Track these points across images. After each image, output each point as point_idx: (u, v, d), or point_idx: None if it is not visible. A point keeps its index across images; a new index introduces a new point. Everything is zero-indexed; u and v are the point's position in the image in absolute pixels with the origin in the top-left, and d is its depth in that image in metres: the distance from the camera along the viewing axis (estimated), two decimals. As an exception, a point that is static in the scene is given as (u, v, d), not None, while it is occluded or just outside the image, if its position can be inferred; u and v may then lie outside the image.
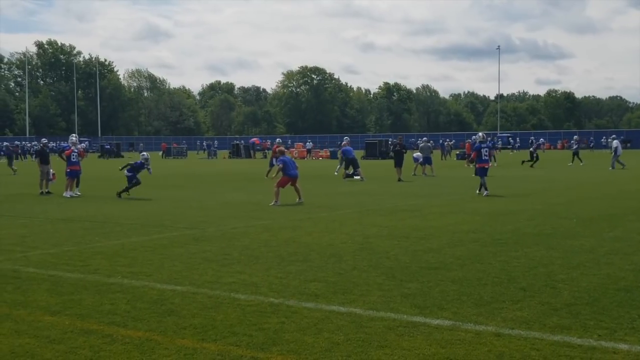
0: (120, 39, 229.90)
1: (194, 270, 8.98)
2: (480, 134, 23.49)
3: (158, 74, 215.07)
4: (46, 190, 22.63)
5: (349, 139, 33.38)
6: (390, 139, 73.39)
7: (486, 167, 21.08)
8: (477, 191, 20.89)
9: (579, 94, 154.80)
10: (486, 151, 21.26)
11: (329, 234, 12.33)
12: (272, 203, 17.91)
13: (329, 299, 7.30)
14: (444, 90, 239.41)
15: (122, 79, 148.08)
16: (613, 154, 37.93)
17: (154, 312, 6.82)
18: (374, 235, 12.17)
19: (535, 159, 40.54)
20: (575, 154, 43.08)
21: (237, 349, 5.65)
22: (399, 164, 28.53)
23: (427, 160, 32.46)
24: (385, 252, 10.31)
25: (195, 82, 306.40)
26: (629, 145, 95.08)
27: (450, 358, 5.37)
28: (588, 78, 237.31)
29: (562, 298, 7.23)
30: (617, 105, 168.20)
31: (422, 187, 24.25)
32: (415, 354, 5.46)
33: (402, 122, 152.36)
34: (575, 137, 50.74)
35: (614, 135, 41.00)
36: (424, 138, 39.55)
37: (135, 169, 21.06)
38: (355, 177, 28.62)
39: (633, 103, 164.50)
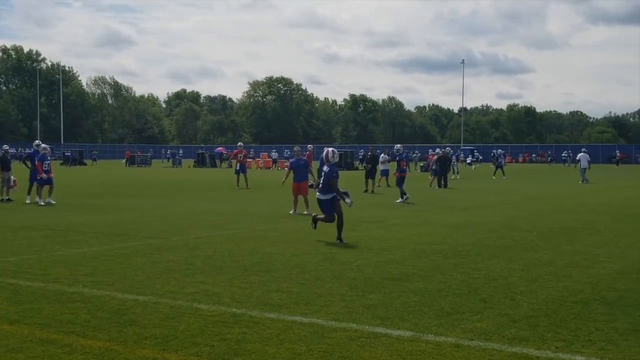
0: (82, 46, 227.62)
1: (156, 280, 8.93)
2: (397, 145, 26.10)
3: (121, 81, 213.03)
4: (7, 198, 22.26)
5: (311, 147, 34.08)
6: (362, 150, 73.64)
7: (404, 175, 23.40)
8: (398, 200, 22.55)
9: (539, 109, 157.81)
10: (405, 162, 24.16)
11: (293, 245, 12.35)
12: (291, 211, 18.37)
13: (291, 310, 7.32)
14: (408, 102, 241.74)
15: (85, 85, 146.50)
16: (580, 167, 38.53)
17: (115, 322, 6.77)
18: (338, 246, 12.23)
19: (497, 168, 43.36)
20: (499, 167, 44.24)
21: (198, 359, 5.64)
22: (371, 175, 28.72)
23: (384, 173, 32.83)
24: (349, 263, 10.37)
25: (159, 90, 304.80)
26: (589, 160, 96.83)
27: (410, 369, 5.43)
28: (548, 93, 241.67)
29: (521, 310, 7.35)
30: (577, 120, 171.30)
31: (386, 199, 24.40)
32: (376, 365, 5.51)
33: (368, 133, 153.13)
34: (500, 150, 52.21)
35: (584, 149, 41.53)
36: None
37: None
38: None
39: (593, 118, 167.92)
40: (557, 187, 33.04)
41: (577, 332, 6.49)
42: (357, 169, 58.32)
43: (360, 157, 71.72)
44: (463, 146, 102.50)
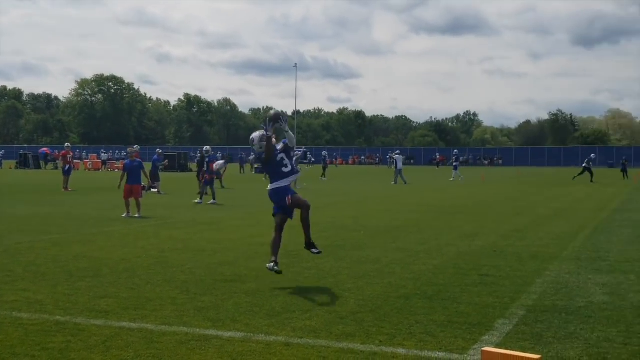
0: None
1: (-29, 290, 8.33)
2: (206, 147, 26.27)
3: None
4: None
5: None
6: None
7: (213, 177, 23.61)
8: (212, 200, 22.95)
9: (368, 113, 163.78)
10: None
11: (122, 248, 11.99)
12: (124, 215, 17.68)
13: (119, 315, 7.12)
14: (243, 104, 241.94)
15: None
16: (395, 169, 40.85)
17: None
18: (169, 249, 12.03)
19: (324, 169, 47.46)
20: (325, 167, 48.79)
21: (17, 371, 5.34)
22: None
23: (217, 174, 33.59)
24: (181, 265, 10.23)
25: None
26: (412, 162, 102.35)
27: (241, 369, 5.46)
28: (375, 97, 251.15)
29: (348, 306, 7.63)
30: (402, 124, 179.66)
31: (221, 200, 24.31)
32: (207, 367, 5.49)
33: (202, 134, 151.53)
34: (324, 152, 55.63)
35: (398, 151, 44.16)
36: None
37: None
38: (152, 190, 28.04)
39: (416, 122, 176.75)
40: (383, 188, 34.52)
41: (399, 325, 6.83)
42: (191, 170, 57.54)
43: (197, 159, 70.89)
44: (297, 149, 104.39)
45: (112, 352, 5.83)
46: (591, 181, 41.79)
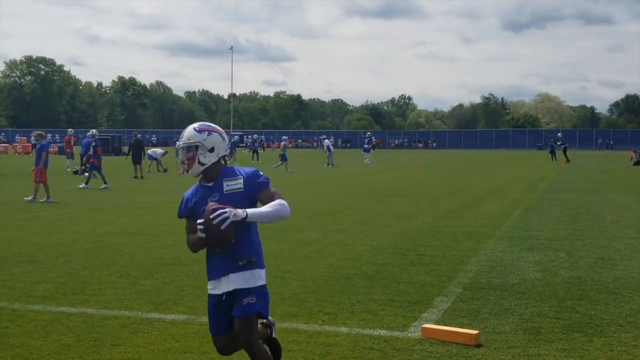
0: None
1: None
2: (93, 131, 25.64)
3: None
4: None
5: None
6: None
7: (100, 161, 23.06)
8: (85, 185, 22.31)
9: (304, 96, 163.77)
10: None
11: (58, 233, 11.75)
12: (30, 199, 17.05)
13: (58, 300, 7.00)
14: (177, 87, 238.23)
15: None
16: (328, 152, 41.09)
17: None
18: (107, 233, 11.85)
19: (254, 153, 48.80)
20: (255, 151, 50.09)
21: (-47, 359, 5.22)
22: (137, 160, 28.04)
23: (283, 158, 34.89)
24: (119, 250, 10.10)
25: None
26: (349, 145, 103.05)
27: (184, 351, 5.47)
28: (310, 81, 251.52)
29: (290, 288, 7.70)
30: (338, 108, 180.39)
31: (159, 184, 24.02)
32: (150, 350, 5.48)
33: (136, 117, 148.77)
34: (255, 136, 56.51)
35: (324, 136, 44.71)
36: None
37: None
38: (86, 174, 27.45)
39: (352, 106, 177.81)
40: (320, 171, 34.68)
41: (341, 305, 6.94)
42: (124, 154, 56.52)
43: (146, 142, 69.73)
44: (233, 132, 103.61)
45: (52, 337, 5.75)
46: (554, 159, 43.70)
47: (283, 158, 35.08)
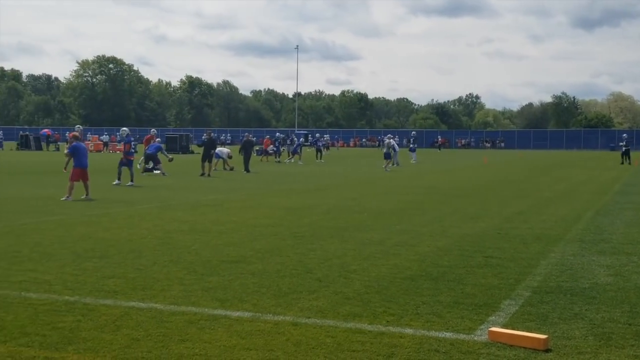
0: None
1: (-21, 270, 8.38)
2: (123, 129, 25.70)
3: None
4: None
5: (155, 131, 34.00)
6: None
7: (131, 159, 22.68)
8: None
9: (368, 95, 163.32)
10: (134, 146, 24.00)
11: (127, 229, 12.04)
12: (65, 197, 17.03)
13: (128, 295, 7.17)
14: (242, 86, 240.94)
15: None
16: (392, 152, 40.57)
17: None
18: (174, 230, 12.07)
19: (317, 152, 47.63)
20: (319, 150, 48.40)
21: (29, 349, 5.39)
22: (207, 158, 28.39)
23: (387, 156, 35.05)
24: (186, 246, 10.28)
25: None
26: (415, 145, 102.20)
27: (250, 348, 5.51)
28: (374, 80, 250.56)
29: (354, 287, 7.67)
30: (404, 107, 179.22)
31: (223, 182, 24.36)
32: (216, 346, 5.54)
33: (203, 116, 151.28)
34: (317, 135, 55.92)
35: (389, 135, 43.96)
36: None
37: None
38: (155, 172, 28.08)
39: (418, 105, 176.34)
40: (384, 171, 34.51)
41: (405, 306, 6.88)
42: (192, 152, 57.59)
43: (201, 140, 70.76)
44: (297, 130, 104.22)
45: (122, 331, 5.88)
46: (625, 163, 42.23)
47: (387, 156, 35.04)
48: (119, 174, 22.57)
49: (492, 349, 5.55)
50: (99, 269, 8.51)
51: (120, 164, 22.54)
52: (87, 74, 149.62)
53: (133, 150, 23.47)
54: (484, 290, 7.57)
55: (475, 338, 5.84)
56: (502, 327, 6.02)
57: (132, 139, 23.97)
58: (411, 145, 48.56)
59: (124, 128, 26.45)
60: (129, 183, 22.18)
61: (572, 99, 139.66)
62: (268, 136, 53.97)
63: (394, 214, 14.79)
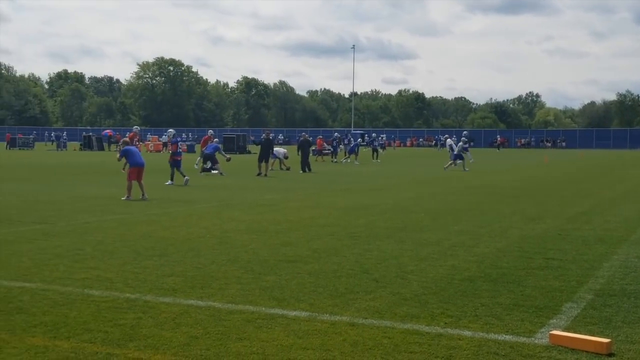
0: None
1: (44, 267, 8.62)
2: (170, 130, 26.55)
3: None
4: None
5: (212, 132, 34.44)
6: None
7: (179, 159, 23.12)
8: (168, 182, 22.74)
9: (426, 94, 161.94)
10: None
11: (186, 228, 12.22)
12: (125, 197, 17.39)
13: (187, 294, 7.27)
14: (298, 86, 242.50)
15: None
16: (450, 152, 40.20)
17: (1, 311, 6.50)
18: (232, 229, 12.20)
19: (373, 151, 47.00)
20: (375, 150, 47.75)
21: (91, 345, 5.52)
22: (265, 158, 28.52)
23: (458, 157, 34.72)
24: (244, 246, 10.37)
25: (36, 69, 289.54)
26: (472, 144, 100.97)
27: (307, 348, 5.52)
28: (431, 78, 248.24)
29: (412, 288, 7.61)
30: (461, 106, 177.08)
31: (280, 182, 24.51)
32: (274, 345, 5.57)
33: (259, 117, 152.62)
34: (373, 134, 55.40)
35: (446, 135, 43.28)
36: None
37: None
38: (213, 172, 28.44)
39: (476, 104, 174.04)
40: (441, 171, 34.18)
41: (464, 308, 6.79)
42: (249, 152, 58.15)
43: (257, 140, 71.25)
44: (353, 130, 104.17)
45: (181, 329, 5.97)
46: None
47: (457, 157, 34.70)
48: (172, 174, 23.00)
49: (553, 352, 5.43)
50: (159, 267, 8.66)
51: (171, 164, 23.01)
52: (147, 76, 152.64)
53: (180, 151, 23.88)
54: (544, 293, 7.41)
55: (536, 341, 5.72)
56: (563, 331, 5.88)
57: (179, 139, 24.36)
58: (465, 145, 47.47)
59: (170, 129, 27.00)
60: (185, 179, 22.52)
61: (637, 97, 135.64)
62: (321, 136, 54.15)
63: (451, 214, 14.63)
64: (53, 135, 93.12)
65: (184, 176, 22.64)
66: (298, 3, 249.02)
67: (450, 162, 35.44)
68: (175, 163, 22.85)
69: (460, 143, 39.04)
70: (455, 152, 35.38)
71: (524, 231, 12.19)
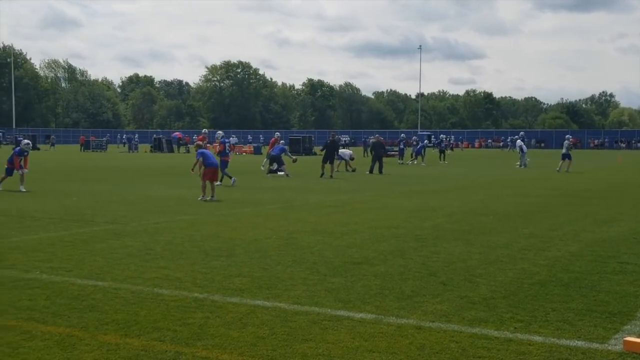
0: (26, 27, 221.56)
1: (116, 266, 8.84)
2: (219, 132, 26.86)
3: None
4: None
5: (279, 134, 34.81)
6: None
7: (227, 160, 23.57)
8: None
9: (494, 94, 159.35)
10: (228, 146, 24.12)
11: (253, 229, 12.33)
12: (200, 197, 17.70)
13: (253, 294, 7.33)
14: (363, 87, 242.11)
15: (38, 68, 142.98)
16: (520, 153, 39.49)
17: (75, 308, 6.69)
18: (298, 230, 12.25)
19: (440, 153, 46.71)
20: (441, 151, 47.04)
21: (161, 344, 5.62)
22: (330, 159, 28.55)
23: (567, 156, 33.91)
24: (310, 247, 10.40)
25: (108, 73, 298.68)
26: (542, 145, 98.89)
27: (373, 350, 5.49)
28: (500, 78, 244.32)
29: (480, 292, 7.48)
30: (532, 106, 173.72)
31: (346, 183, 24.51)
32: (339, 347, 5.56)
33: (325, 118, 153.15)
34: (442, 136, 54.29)
35: (517, 136, 42.24)
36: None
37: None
38: (279, 173, 28.66)
39: (547, 104, 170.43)
40: (510, 172, 33.55)
41: (534, 312, 6.63)
42: (315, 154, 58.36)
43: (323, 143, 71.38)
44: (420, 131, 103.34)
45: (248, 329, 6.02)
46: None
47: (567, 157, 34.01)
48: (226, 175, 23.26)
49: (628, 359, 5.24)
50: (226, 268, 8.76)
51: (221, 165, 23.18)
52: (215, 79, 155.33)
53: (228, 151, 24.23)
54: (618, 298, 7.17)
55: (609, 347, 5.54)
56: (638, 337, 5.67)
57: (227, 140, 24.77)
58: (524, 146, 46.31)
59: (219, 131, 27.53)
60: (232, 180, 22.78)
61: None
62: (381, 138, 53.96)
63: (521, 217, 14.33)
64: (125, 138, 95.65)
65: (230, 177, 23.00)
66: (363, 3, 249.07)
67: (521, 163, 34.62)
68: (222, 164, 22.94)
69: (522, 144, 38.26)
70: (563, 152, 34.18)
71: (597, 234, 11.84)
